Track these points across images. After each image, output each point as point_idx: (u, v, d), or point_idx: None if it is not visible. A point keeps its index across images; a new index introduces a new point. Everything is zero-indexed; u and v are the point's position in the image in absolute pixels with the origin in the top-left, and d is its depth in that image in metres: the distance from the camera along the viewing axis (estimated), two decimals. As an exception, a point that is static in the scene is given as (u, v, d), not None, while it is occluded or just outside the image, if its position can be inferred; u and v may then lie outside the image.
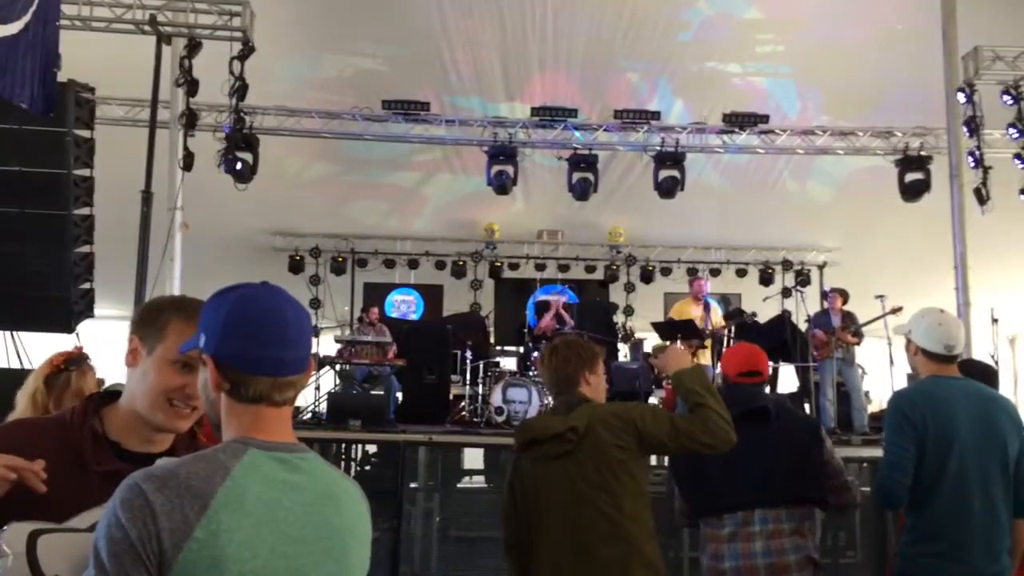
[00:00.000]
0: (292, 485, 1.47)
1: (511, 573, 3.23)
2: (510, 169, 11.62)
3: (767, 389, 9.70)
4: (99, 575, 1.33)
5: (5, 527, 1.49)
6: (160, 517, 1.33)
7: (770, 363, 10.37)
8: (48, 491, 1.62)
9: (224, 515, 1.36)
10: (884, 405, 11.01)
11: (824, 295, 9.89)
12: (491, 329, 13.65)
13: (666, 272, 15.07)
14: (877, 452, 6.37)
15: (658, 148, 11.70)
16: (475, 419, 8.86)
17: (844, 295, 9.36)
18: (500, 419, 8.39)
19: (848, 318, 9.07)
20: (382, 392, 9.68)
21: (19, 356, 7.55)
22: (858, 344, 8.95)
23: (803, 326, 9.63)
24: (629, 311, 15.04)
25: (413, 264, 15.01)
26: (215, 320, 1.52)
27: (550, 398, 8.90)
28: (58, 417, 1.83)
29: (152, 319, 1.80)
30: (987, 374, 3.72)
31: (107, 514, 1.35)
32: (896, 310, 8.58)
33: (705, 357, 9.32)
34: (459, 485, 9.47)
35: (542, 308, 11.64)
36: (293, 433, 1.57)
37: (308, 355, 1.57)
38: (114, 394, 1.86)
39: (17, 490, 1.60)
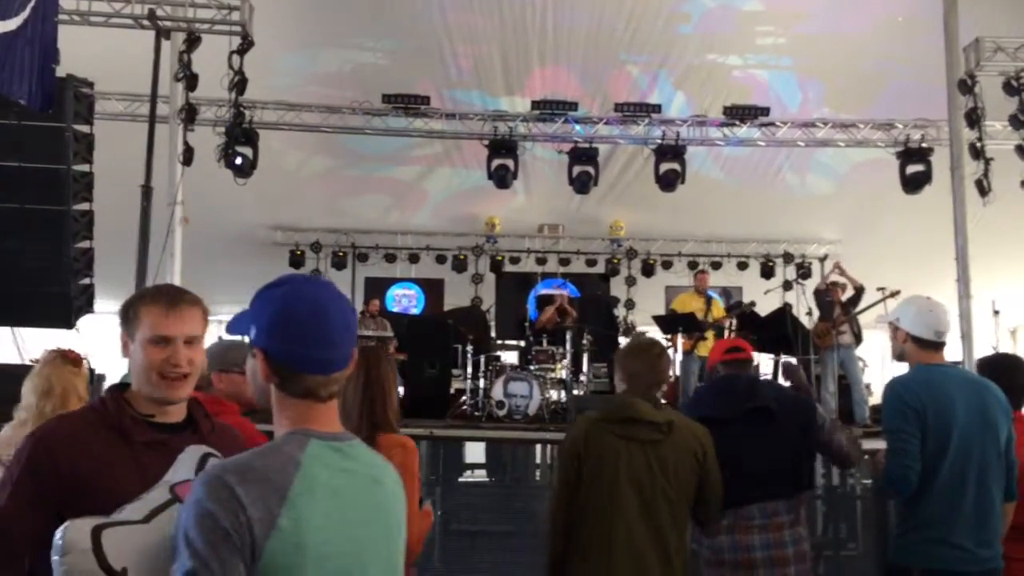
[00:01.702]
0: (348, 472, 1.59)
1: (555, 538, 3.26)
2: (510, 163, 11.60)
3: (771, 378, 9.70)
4: (199, 564, 1.39)
5: (64, 524, 1.55)
6: (248, 508, 1.42)
7: (771, 355, 10.42)
8: (108, 460, 1.92)
9: (301, 503, 1.47)
10: (885, 397, 11.03)
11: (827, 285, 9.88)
12: (492, 323, 13.64)
13: (667, 265, 15.07)
14: (879, 444, 6.36)
15: (659, 141, 11.68)
16: (476, 413, 8.85)
17: (844, 287, 9.37)
18: (501, 413, 8.38)
19: (848, 303, 9.11)
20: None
21: (19, 351, 7.56)
22: (846, 320, 8.97)
23: (804, 319, 9.64)
24: (630, 305, 15.04)
25: (414, 258, 15.00)
26: (264, 315, 1.62)
27: (553, 393, 8.94)
28: (88, 408, 2.12)
29: (127, 313, 2.07)
30: (1011, 365, 3.68)
31: (192, 506, 1.43)
32: (895, 293, 8.59)
33: (707, 348, 9.34)
34: (460, 479, 9.46)
35: (543, 302, 11.63)
36: (339, 422, 1.67)
37: (351, 351, 1.66)
38: (126, 384, 2.11)
39: (87, 464, 1.89)
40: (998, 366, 3.50)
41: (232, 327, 1.75)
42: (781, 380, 9.29)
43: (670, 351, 9.74)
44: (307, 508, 1.47)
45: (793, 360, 9.61)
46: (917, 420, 3.11)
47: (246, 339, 1.69)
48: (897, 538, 3.25)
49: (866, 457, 7.21)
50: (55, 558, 1.52)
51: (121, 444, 1.96)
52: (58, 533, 1.54)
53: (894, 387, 3.28)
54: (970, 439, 3.09)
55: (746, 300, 11.16)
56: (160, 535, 1.58)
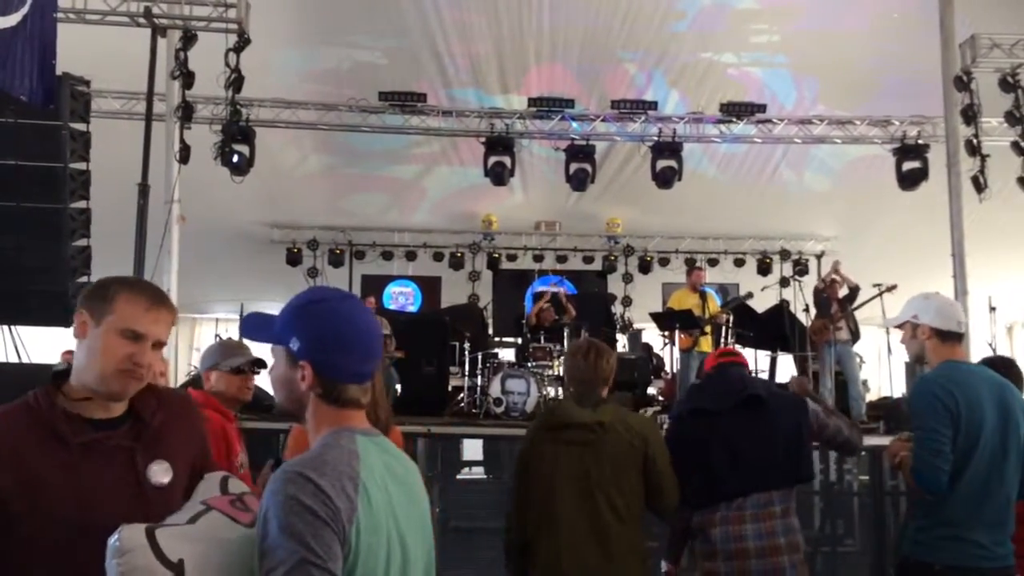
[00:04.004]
0: (389, 463, 1.70)
1: (512, 546, 3.47)
2: (507, 160, 11.60)
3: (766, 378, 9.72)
4: (307, 552, 1.46)
5: (118, 529, 1.58)
6: (334, 497, 1.51)
7: (768, 352, 10.44)
8: (39, 470, 1.75)
9: (370, 489, 1.58)
10: (881, 394, 11.06)
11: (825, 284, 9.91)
12: (489, 320, 13.65)
13: (664, 262, 15.09)
14: (875, 441, 6.38)
15: (655, 138, 11.69)
16: (474, 410, 8.87)
17: (841, 284, 9.40)
18: (499, 410, 8.39)
19: (845, 301, 9.13)
20: (381, 384, 9.65)
21: (17, 350, 7.55)
22: (843, 317, 9.00)
23: (801, 315, 9.67)
24: (627, 302, 15.06)
25: (411, 256, 15.01)
26: (310, 329, 1.69)
27: (551, 389, 8.96)
28: (21, 403, 1.87)
29: (100, 293, 1.89)
30: (1010, 367, 3.68)
31: (283, 502, 1.49)
32: (891, 288, 8.61)
33: (706, 344, 9.36)
34: (458, 476, 9.48)
35: (540, 300, 11.64)
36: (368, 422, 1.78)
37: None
38: (62, 374, 1.92)
39: (13, 478, 1.73)
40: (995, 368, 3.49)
41: (253, 333, 1.78)
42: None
43: (667, 348, 9.77)
44: (374, 494, 1.58)
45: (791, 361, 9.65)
46: (950, 419, 3.06)
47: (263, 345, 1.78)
48: (916, 533, 3.21)
49: (862, 453, 7.27)
50: (112, 561, 1.55)
51: (56, 447, 1.79)
52: (113, 537, 1.56)
53: (928, 385, 3.20)
54: (996, 437, 3.08)
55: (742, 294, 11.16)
56: (207, 533, 1.65)
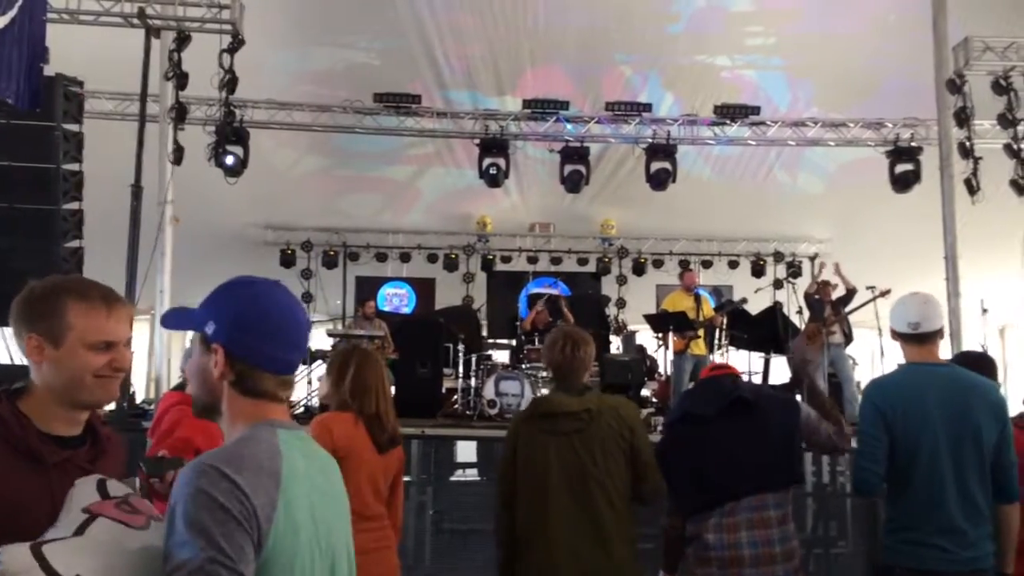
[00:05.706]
0: (312, 456, 1.64)
1: (502, 528, 3.46)
2: (502, 162, 11.60)
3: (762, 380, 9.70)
4: (215, 552, 1.36)
5: None
6: (251, 496, 1.42)
7: (761, 354, 10.43)
8: (14, 491, 1.63)
9: (291, 487, 1.50)
10: (875, 396, 11.08)
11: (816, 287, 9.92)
12: (484, 322, 13.64)
13: (658, 264, 15.10)
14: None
15: (650, 140, 11.70)
16: (468, 412, 8.85)
17: (835, 287, 9.42)
18: (493, 412, 8.38)
19: (839, 303, 9.14)
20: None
21: (9, 353, 7.52)
22: (836, 320, 9.01)
23: (795, 317, 9.67)
24: (621, 303, 15.06)
25: (405, 257, 14.98)
26: (229, 312, 1.60)
27: (545, 391, 8.95)
28: None
29: (47, 311, 1.75)
30: (982, 363, 3.67)
31: (195, 496, 1.40)
32: (884, 293, 8.63)
33: (699, 347, 9.37)
34: (452, 478, 9.45)
35: (535, 301, 11.63)
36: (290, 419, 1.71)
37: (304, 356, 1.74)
38: (17, 391, 1.79)
39: None
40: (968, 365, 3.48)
41: (173, 322, 1.70)
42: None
43: (662, 351, 9.77)
44: (296, 492, 1.50)
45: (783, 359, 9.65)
46: (884, 423, 3.11)
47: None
48: (884, 536, 3.27)
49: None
50: None
51: (32, 469, 1.67)
52: None
53: (867, 389, 3.32)
54: (945, 440, 3.06)
55: (736, 298, 11.18)
56: (103, 543, 1.49)
